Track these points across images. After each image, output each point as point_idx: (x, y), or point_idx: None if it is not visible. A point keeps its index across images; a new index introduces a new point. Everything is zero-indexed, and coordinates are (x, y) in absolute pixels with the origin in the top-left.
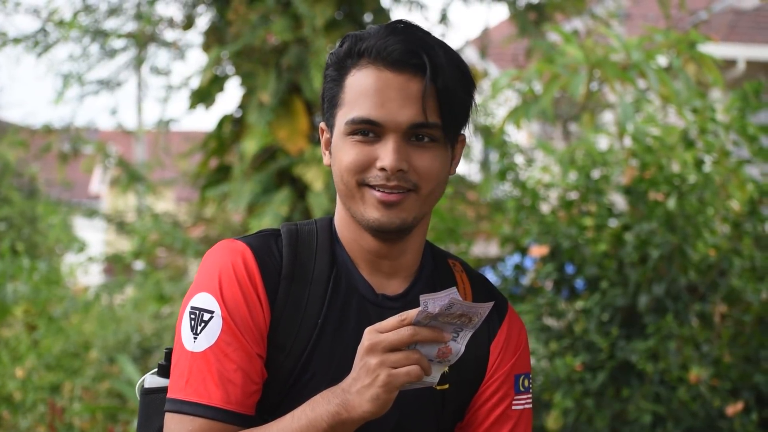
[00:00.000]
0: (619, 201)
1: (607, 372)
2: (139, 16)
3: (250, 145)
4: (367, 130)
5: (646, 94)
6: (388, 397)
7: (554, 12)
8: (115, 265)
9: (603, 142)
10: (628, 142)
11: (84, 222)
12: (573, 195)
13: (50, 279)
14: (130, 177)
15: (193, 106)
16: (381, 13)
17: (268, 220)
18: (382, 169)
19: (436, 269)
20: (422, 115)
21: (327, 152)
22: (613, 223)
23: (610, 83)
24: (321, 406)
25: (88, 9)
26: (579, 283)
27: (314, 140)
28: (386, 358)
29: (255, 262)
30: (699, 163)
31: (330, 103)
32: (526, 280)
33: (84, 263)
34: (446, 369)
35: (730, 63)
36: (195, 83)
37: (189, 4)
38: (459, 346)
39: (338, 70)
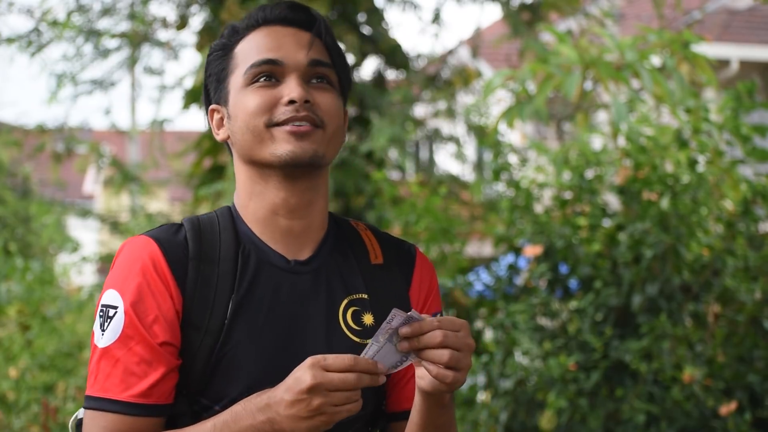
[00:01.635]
0: (613, 201)
1: (601, 372)
2: (132, 16)
3: None
4: (268, 72)
5: (639, 94)
6: (326, 428)
7: (549, 11)
8: (109, 264)
9: (597, 142)
10: (621, 142)
11: (77, 222)
12: (567, 195)
13: (44, 279)
14: (123, 177)
15: (186, 106)
16: (375, 12)
17: None
18: (291, 102)
19: (341, 231)
20: (318, 54)
21: (220, 131)
22: (607, 222)
23: (603, 83)
24: (245, 419)
25: (81, 9)
26: (573, 282)
27: None
28: (330, 398)
29: (160, 250)
30: (692, 163)
31: (218, 78)
32: (519, 280)
33: (77, 263)
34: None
35: (724, 63)
36: (189, 83)
37: (182, 4)
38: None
39: (223, 48)
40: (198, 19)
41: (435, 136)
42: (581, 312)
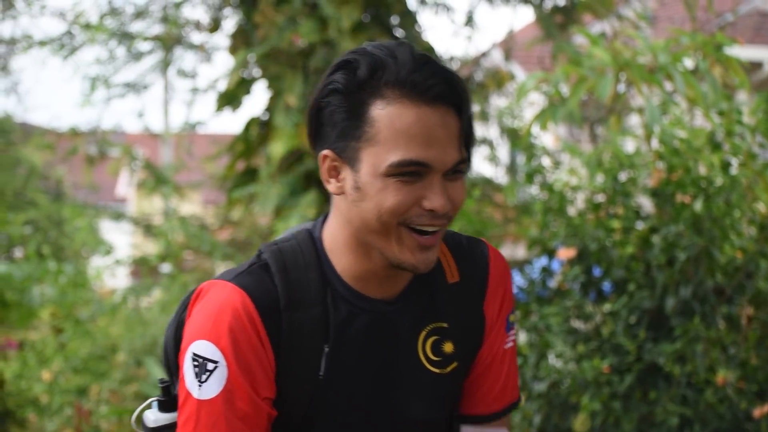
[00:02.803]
0: (646, 203)
1: (635, 374)
2: (165, 19)
3: (277, 148)
4: (414, 171)
5: (672, 97)
6: None
7: (583, 13)
8: (142, 267)
9: (630, 145)
10: (655, 144)
11: (110, 225)
12: (600, 197)
13: (77, 282)
14: (156, 180)
15: (219, 108)
16: (408, 15)
17: (294, 223)
18: (431, 211)
19: None
20: (462, 152)
21: (333, 180)
22: (640, 225)
23: (637, 86)
24: None
25: (114, 12)
26: (606, 285)
27: None
28: None
29: (252, 303)
30: (726, 166)
31: (343, 131)
32: (553, 283)
33: (110, 266)
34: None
35: (756, 65)
36: (222, 86)
37: (215, 6)
38: None
39: (350, 98)
40: (231, 21)
41: None
42: (615, 315)
